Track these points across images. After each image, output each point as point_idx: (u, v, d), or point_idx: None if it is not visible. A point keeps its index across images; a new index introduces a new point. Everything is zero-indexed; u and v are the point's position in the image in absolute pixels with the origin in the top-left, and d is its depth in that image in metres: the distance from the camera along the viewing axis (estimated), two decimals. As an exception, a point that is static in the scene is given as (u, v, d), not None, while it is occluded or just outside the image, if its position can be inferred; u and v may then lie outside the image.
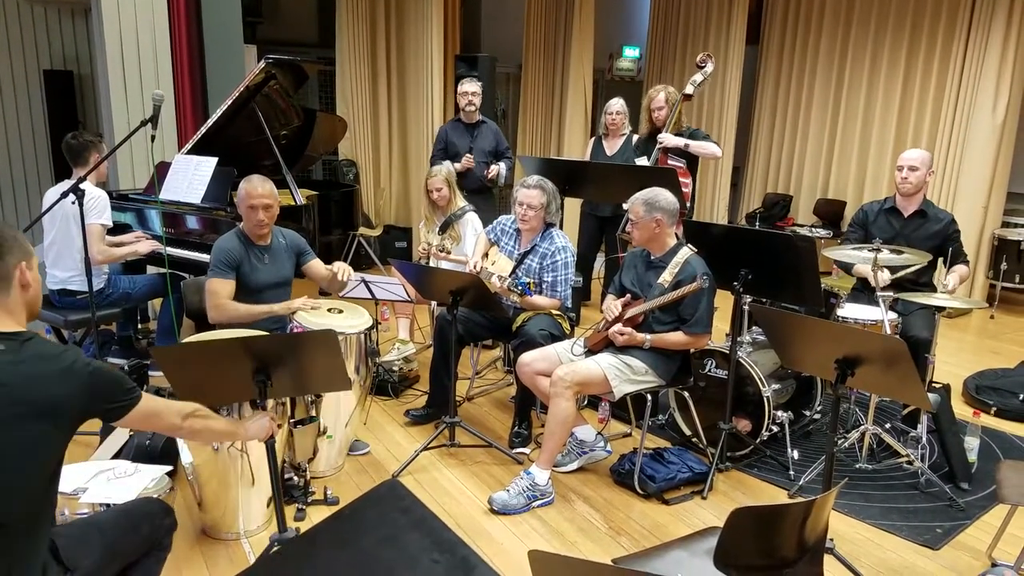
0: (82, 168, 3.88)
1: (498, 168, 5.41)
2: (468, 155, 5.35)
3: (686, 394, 3.66)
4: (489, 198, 5.61)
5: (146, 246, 4.26)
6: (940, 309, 3.47)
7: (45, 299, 4.10)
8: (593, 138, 5.65)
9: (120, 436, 3.11)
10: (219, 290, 3.28)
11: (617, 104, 5.39)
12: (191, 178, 4.38)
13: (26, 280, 1.79)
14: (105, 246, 3.99)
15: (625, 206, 3.32)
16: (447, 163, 4.97)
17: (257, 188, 3.31)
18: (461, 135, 5.47)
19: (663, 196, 3.26)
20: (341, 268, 3.58)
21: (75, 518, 2.23)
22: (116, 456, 2.99)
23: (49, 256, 4.01)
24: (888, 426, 3.74)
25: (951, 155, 6.53)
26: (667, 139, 4.68)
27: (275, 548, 2.49)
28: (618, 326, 3.28)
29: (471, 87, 5.38)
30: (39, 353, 1.70)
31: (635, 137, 5.28)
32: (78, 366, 1.74)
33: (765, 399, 3.48)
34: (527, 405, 3.83)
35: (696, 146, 4.71)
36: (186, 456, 2.87)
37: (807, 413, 3.95)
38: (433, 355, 3.93)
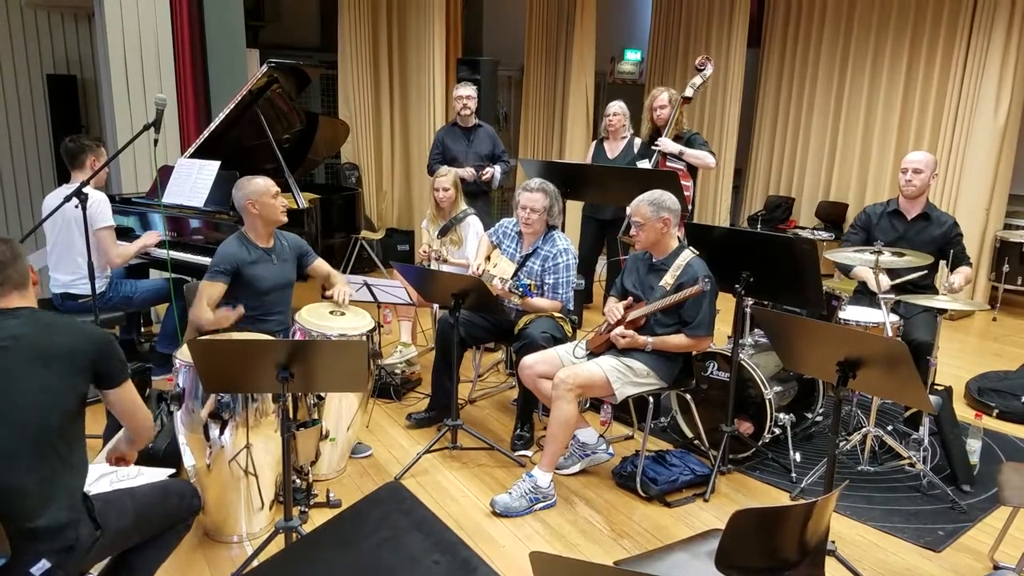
0: (79, 171, 3.91)
1: (492, 171, 5.42)
2: (471, 170, 5.36)
3: (688, 396, 3.67)
4: (486, 201, 5.62)
5: (154, 237, 4.29)
6: (942, 311, 3.47)
7: (48, 303, 4.13)
8: (595, 141, 5.66)
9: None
10: (203, 292, 3.27)
11: (616, 106, 5.41)
12: (194, 182, 4.39)
13: (36, 278, 2.14)
14: (119, 249, 4.04)
15: (628, 209, 3.31)
16: (454, 171, 4.97)
17: (269, 180, 3.39)
18: (457, 139, 5.49)
19: (668, 196, 3.27)
20: (340, 293, 3.51)
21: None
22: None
23: (51, 260, 4.03)
24: (890, 428, 3.74)
25: (953, 157, 6.53)
26: (664, 144, 4.70)
27: (278, 535, 2.58)
28: (620, 329, 3.28)
29: (466, 91, 5.40)
30: (54, 315, 2.07)
31: (637, 140, 5.29)
32: (90, 325, 2.14)
33: (767, 401, 3.48)
34: (529, 408, 3.83)
35: (691, 155, 4.73)
36: (189, 459, 2.88)
37: (809, 415, 3.95)
38: (435, 358, 3.94)
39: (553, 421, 3.21)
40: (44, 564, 1.83)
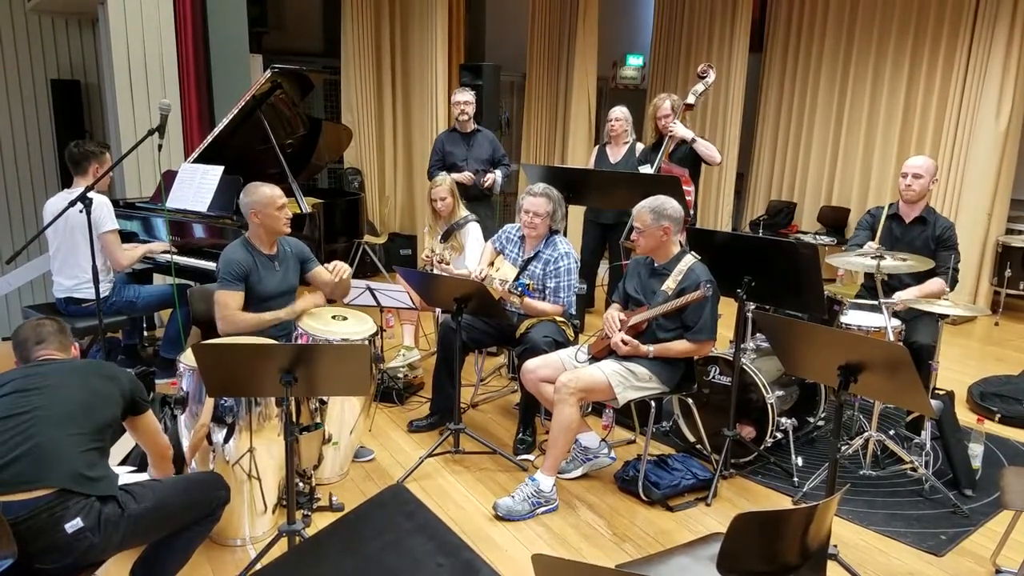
0: (81, 176, 3.93)
1: (494, 176, 5.43)
2: (469, 174, 5.38)
3: (690, 401, 3.67)
4: (487, 206, 5.63)
5: (160, 244, 4.33)
6: (944, 316, 3.48)
7: (52, 307, 4.14)
8: (597, 146, 5.67)
9: (126, 443, 3.13)
10: (228, 302, 3.29)
11: (618, 111, 5.41)
12: (197, 186, 4.41)
13: (77, 353, 2.51)
14: (125, 252, 4.06)
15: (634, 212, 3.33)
16: (449, 179, 4.99)
17: (275, 189, 3.39)
18: (457, 144, 5.51)
19: (670, 204, 3.27)
20: (337, 265, 3.55)
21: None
22: (123, 462, 3.01)
23: (55, 264, 4.04)
24: (892, 433, 3.74)
25: (955, 162, 6.53)
26: (677, 127, 4.70)
27: (281, 538, 2.59)
28: (621, 335, 3.28)
29: (463, 96, 5.42)
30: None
31: (639, 145, 5.30)
32: (126, 371, 2.52)
33: (769, 406, 3.48)
34: (531, 412, 3.84)
35: (702, 144, 4.74)
36: (192, 463, 2.89)
37: (811, 420, 3.95)
38: (436, 362, 3.95)
39: (555, 425, 3.22)
40: (78, 522, 2.04)
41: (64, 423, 2.14)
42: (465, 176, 5.36)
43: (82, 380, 2.27)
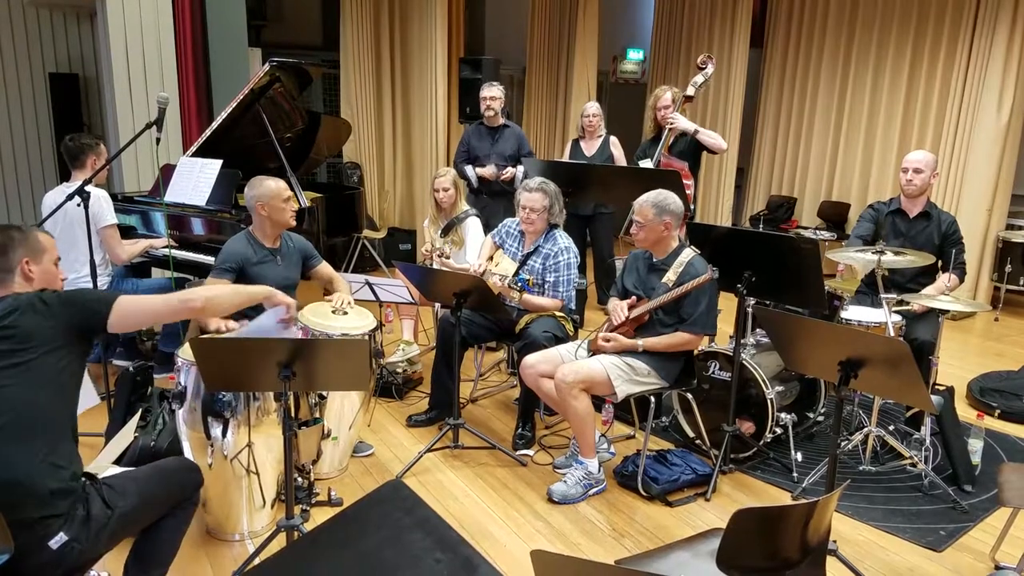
0: (79, 170, 3.92)
1: (514, 171, 5.42)
2: (492, 169, 5.39)
3: (690, 396, 3.67)
4: (508, 201, 5.61)
5: (160, 240, 4.33)
6: (944, 312, 3.47)
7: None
8: (571, 141, 5.70)
9: (125, 438, 3.13)
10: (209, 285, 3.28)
11: (593, 107, 5.53)
12: (196, 180, 4.39)
13: (28, 274, 2.10)
14: (125, 246, 4.06)
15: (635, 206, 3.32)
16: (453, 171, 4.97)
17: (280, 182, 3.40)
18: (483, 139, 5.51)
19: (672, 199, 3.27)
20: (339, 300, 3.47)
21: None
22: (117, 461, 3.00)
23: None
24: (892, 428, 3.74)
25: (955, 158, 6.52)
26: (678, 120, 4.67)
27: (280, 533, 2.59)
28: (604, 333, 3.28)
29: (490, 92, 5.40)
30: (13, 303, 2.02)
31: (613, 138, 5.40)
32: (47, 295, 2.04)
33: (769, 401, 3.48)
34: (530, 407, 3.83)
35: (705, 134, 4.71)
36: (190, 457, 2.88)
37: (811, 415, 3.95)
38: (436, 357, 3.94)
39: (573, 420, 3.24)
40: (62, 537, 1.94)
41: (9, 440, 1.94)
42: (488, 171, 5.36)
43: (13, 368, 1.97)
